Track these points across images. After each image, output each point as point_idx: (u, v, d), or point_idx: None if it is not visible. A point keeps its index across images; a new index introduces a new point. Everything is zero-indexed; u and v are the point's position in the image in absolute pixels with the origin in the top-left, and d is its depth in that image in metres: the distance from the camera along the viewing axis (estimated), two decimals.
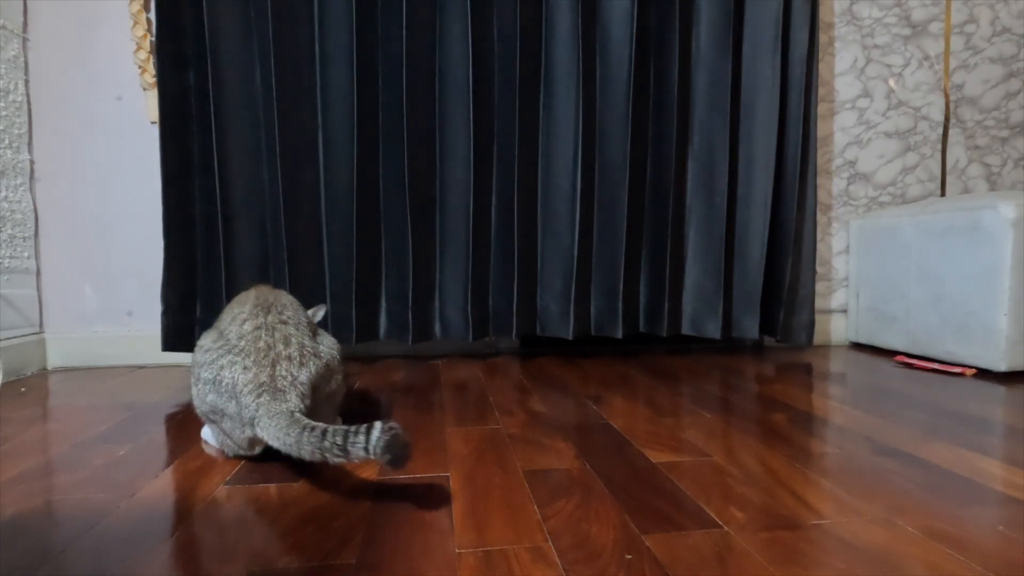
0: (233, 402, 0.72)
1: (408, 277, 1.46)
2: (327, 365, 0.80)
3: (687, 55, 1.54)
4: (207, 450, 0.84)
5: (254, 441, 0.74)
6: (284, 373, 0.73)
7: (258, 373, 0.72)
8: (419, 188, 1.45)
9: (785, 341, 1.61)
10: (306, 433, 0.65)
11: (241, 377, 0.72)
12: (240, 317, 0.79)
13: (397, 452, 0.63)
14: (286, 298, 0.85)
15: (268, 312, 0.79)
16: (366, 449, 0.62)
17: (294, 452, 0.66)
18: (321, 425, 0.65)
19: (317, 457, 0.64)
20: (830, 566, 0.52)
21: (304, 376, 0.74)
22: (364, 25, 1.40)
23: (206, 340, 0.79)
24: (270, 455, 0.78)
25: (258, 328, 0.76)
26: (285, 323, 0.78)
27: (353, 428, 0.63)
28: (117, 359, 1.49)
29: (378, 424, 0.63)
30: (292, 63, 1.38)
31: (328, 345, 0.83)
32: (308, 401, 0.74)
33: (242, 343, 0.75)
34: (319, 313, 1.00)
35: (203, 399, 0.76)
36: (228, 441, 0.77)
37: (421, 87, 1.44)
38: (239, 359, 0.73)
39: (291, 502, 0.66)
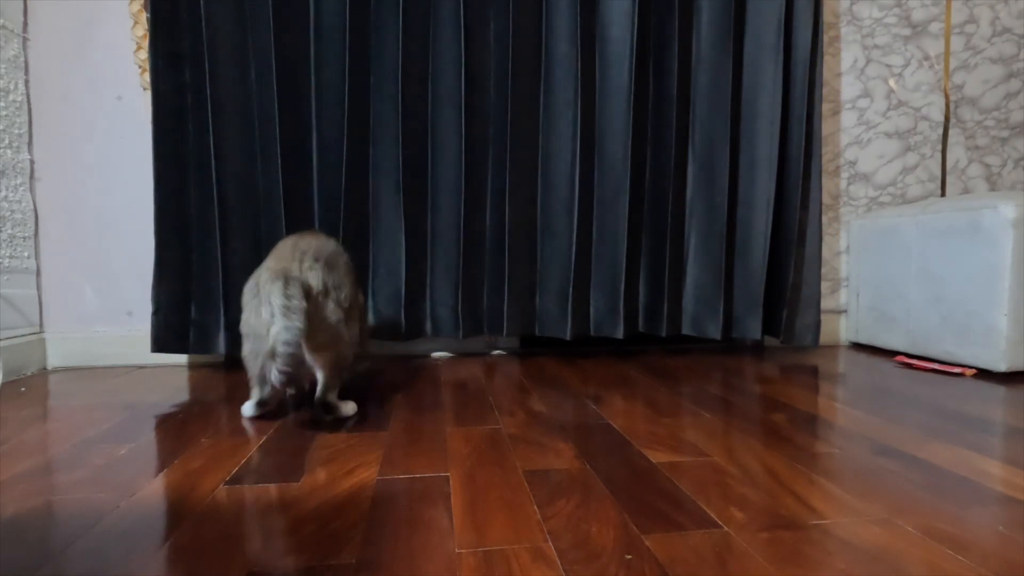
0: (255, 298, 0.91)
1: (400, 277, 1.46)
2: (336, 292, 0.94)
3: (688, 55, 1.54)
4: (244, 421, 0.97)
5: (272, 353, 0.86)
6: (295, 269, 0.91)
7: (275, 267, 0.91)
8: (413, 189, 1.45)
9: (789, 342, 1.61)
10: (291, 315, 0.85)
11: (264, 276, 0.90)
12: (269, 264, 0.95)
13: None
14: (315, 249, 0.97)
15: (292, 259, 0.94)
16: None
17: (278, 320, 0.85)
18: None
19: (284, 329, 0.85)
20: (830, 566, 0.52)
21: (314, 276, 0.92)
22: (358, 27, 1.40)
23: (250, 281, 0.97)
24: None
25: (280, 260, 0.94)
26: (303, 259, 0.94)
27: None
28: (117, 359, 1.49)
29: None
30: (287, 65, 1.38)
31: (338, 287, 0.96)
32: (317, 288, 0.91)
33: (267, 272, 0.92)
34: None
35: (242, 322, 0.95)
36: (252, 369, 0.95)
37: (416, 86, 1.44)
38: (265, 274, 0.91)
39: (291, 502, 0.66)
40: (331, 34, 1.40)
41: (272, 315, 0.85)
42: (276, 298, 0.85)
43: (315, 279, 0.91)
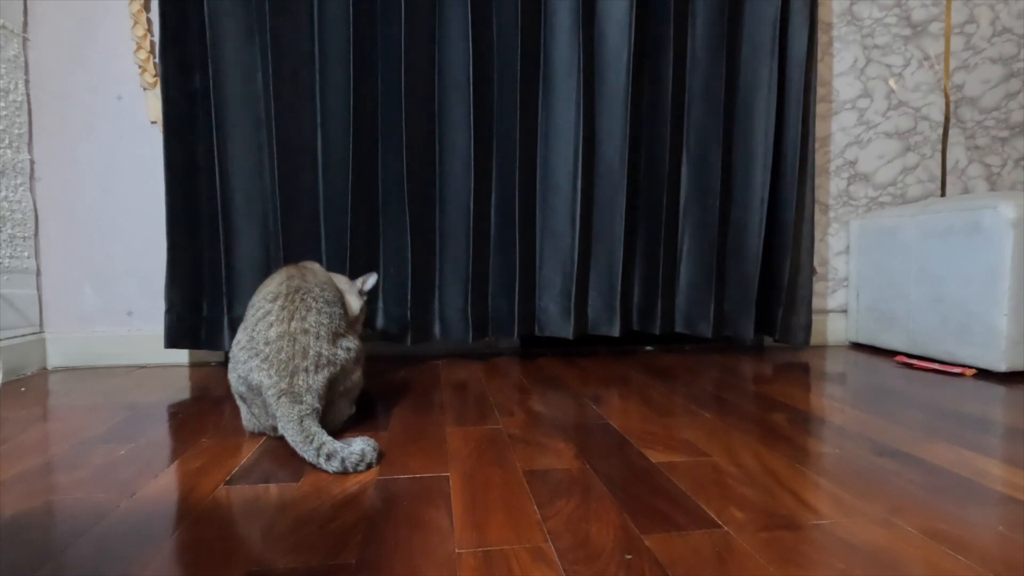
0: (260, 399, 0.85)
1: (407, 276, 1.46)
2: (342, 368, 0.89)
3: (684, 56, 1.54)
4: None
5: (275, 428, 0.85)
6: (301, 382, 0.84)
7: (279, 381, 0.83)
8: (418, 187, 1.45)
9: (784, 341, 1.62)
10: (308, 447, 0.78)
11: (266, 382, 0.83)
12: (268, 319, 0.87)
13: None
14: (312, 296, 0.90)
15: (292, 318, 0.87)
16: (344, 469, 0.76)
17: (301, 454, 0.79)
18: (325, 441, 0.78)
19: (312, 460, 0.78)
20: (830, 566, 0.52)
21: (319, 382, 0.85)
22: (363, 25, 1.40)
23: (242, 336, 0.89)
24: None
25: (281, 337, 0.85)
26: (306, 332, 0.87)
27: (341, 453, 0.77)
28: (117, 359, 1.49)
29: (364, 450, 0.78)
30: (292, 63, 1.38)
31: (346, 348, 0.91)
32: (322, 402, 0.85)
33: (267, 350, 0.85)
34: (369, 281, 1.13)
35: (237, 387, 0.89)
36: (253, 420, 0.90)
37: (420, 87, 1.44)
38: (265, 366, 0.84)
39: (291, 502, 0.66)
40: (335, 30, 1.39)
41: (292, 445, 0.80)
42: (293, 435, 0.80)
43: (320, 383, 0.85)
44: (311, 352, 0.85)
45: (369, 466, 0.77)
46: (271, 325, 0.86)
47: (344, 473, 0.75)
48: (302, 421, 0.80)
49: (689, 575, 0.51)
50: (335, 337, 0.90)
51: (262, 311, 0.88)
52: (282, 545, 0.56)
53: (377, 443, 0.80)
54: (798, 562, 0.53)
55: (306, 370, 0.84)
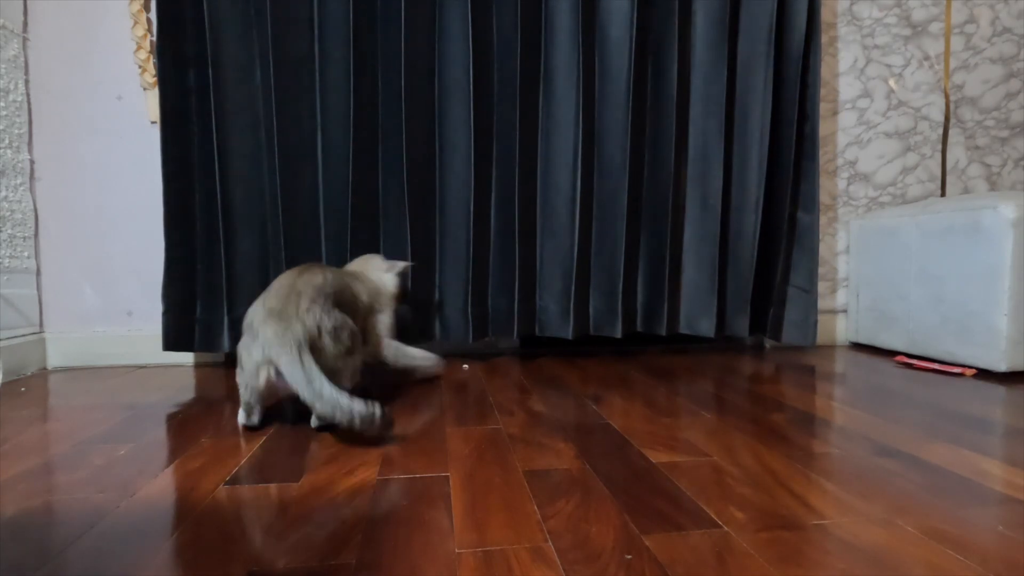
0: (250, 335, 0.89)
1: (407, 276, 1.46)
2: (334, 328, 0.92)
3: (685, 56, 1.54)
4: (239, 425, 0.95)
5: (260, 391, 0.89)
6: (291, 309, 0.90)
7: (267, 300, 0.91)
8: (418, 187, 1.45)
9: (776, 339, 1.62)
10: (324, 389, 0.82)
11: (260, 311, 0.90)
12: (273, 286, 0.97)
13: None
14: (316, 278, 0.97)
15: (294, 282, 0.95)
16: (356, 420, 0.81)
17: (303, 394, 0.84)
18: (338, 396, 0.82)
19: (325, 411, 0.83)
20: (830, 566, 0.52)
21: (310, 319, 0.89)
22: (363, 25, 1.40)
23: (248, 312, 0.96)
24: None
25: (280, 286, 0.95)
26: (303, 291, 0.93)
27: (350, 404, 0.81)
28: (117, 359, 1.49)
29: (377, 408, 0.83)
30: (291, 63, 1.38)
31: (342, 320, 0.96)
32: (309, 336, 0.88)
33: (266, 296, 0.94)
34: (396, 267, 1.25)
35: (239, 351, 0.92)
36: (244, 394, 0.92)
37: (420, 86, 1.44)
38: (260, 304, 0.92)
39: (291, 502, 0.66)
40: (335, 30, 1.39)
41: (263, 355, 0.86)
42: (278, 354, 0.85)
43: (311, 321, 0.90)
44: (305, 296, 0.92)
45: (372, 422, 0.81)
46: (273, 287, 0.96)
47: (350, 427, 0.81)
48: (303, 361, 0.83)
49: (689, 575, 0.51)
50: (330, 314, 0.95)
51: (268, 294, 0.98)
52: (282, 545, 0.56)
53: (382, 409, 0.84)
54: (798, 562, 0.53)
55: (297, 304, 0.91)
